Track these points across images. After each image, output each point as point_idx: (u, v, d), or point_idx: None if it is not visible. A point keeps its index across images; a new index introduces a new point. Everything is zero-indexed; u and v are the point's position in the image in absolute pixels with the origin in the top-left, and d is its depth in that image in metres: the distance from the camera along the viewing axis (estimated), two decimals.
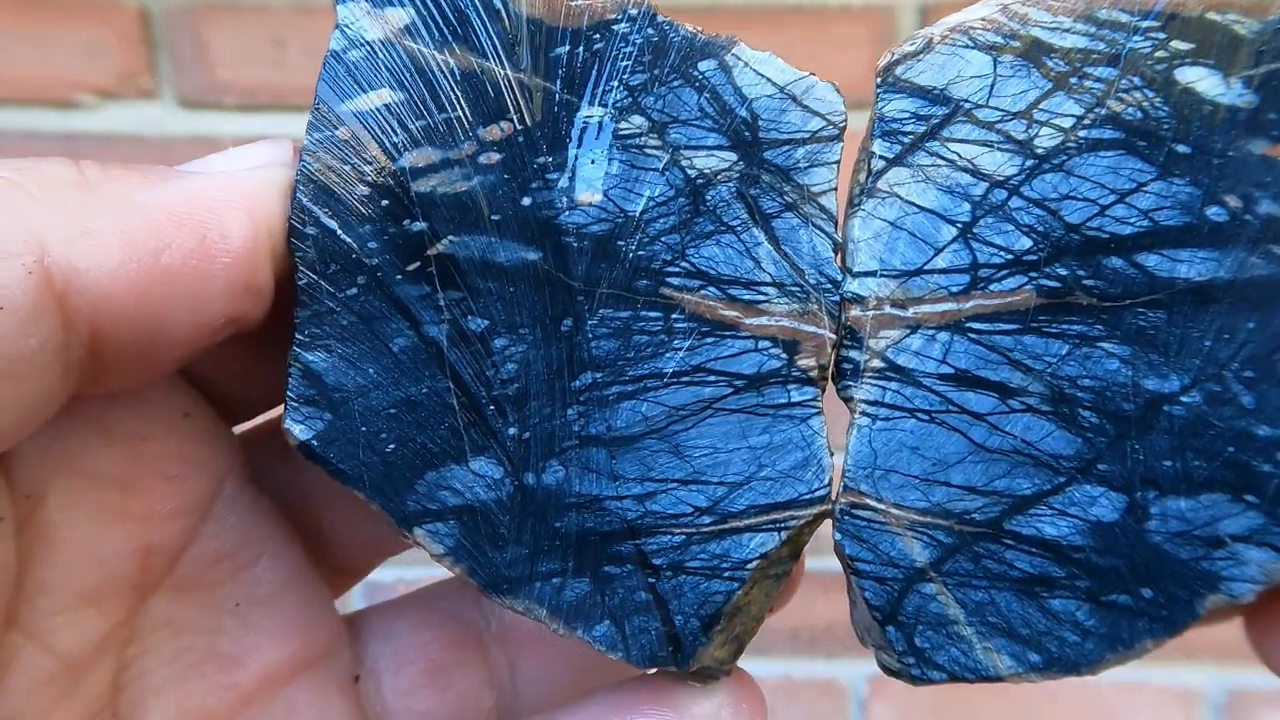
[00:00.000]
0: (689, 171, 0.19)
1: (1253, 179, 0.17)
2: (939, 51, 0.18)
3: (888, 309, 0.19)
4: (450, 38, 0.18)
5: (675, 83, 0.19)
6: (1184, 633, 0.18)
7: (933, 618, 0.19)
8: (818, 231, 0.19)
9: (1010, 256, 0.18)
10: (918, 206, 0.18)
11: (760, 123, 0.19)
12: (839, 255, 0.19)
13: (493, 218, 0.19)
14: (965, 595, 0.18)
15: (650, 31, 0.19)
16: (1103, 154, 0.18)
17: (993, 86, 0.18)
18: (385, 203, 0.18)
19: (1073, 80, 0.18)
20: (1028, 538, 0.18)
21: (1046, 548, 0.18)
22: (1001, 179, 0.18)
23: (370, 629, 0.23)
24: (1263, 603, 0.19)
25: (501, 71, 0.19)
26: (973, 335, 0.18)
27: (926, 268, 0.18)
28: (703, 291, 0.19)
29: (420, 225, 0.18)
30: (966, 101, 0.18)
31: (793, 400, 0.19)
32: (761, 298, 0.19)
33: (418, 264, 0.19)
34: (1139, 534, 0.18)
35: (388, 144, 0.18)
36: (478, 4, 0.18)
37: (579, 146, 0.19)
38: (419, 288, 0.19)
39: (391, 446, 0.19)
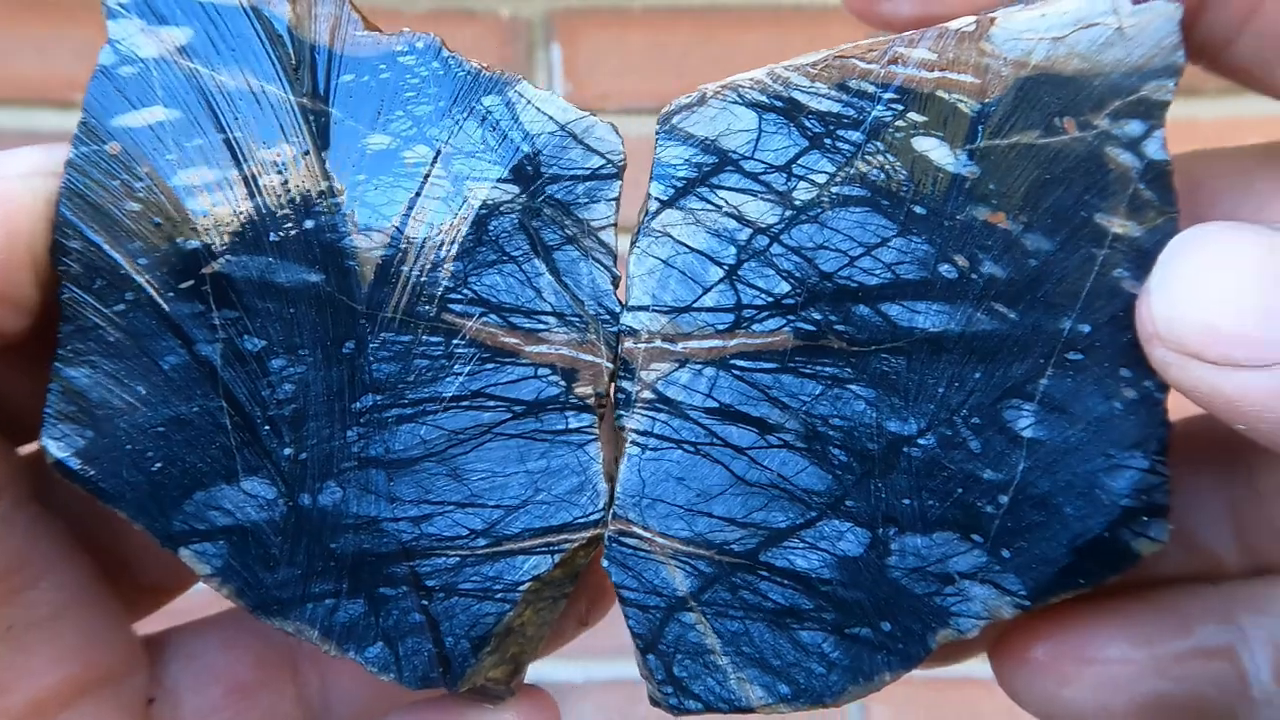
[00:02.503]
0: (472, 202, 0.19)
1: (977, 241, 0.19)
2: (711, 105, 0.19)
3: (658, 343, 0.19)
4: (231, 59, 0.18)
5: (460, 115, 0.19)
6: (918, 666, 0.20)
7: (691, 647, 0.20)
8: (597, 265, 0.20)
9: (771, 299, 0.19)
10: (688, 247, 0.19)
11: (542, 158, 0.19)
12: (618, 288, 0.20)
13: (272, 239, 0.19)
14: (722, 625, 0.19)
15: (436, 65, 0.19)
16: (852, 209, 0.19)
17: (758, 141, 0.19)
18: (157, 220, 0.18)
19: (826, 141, 0.19)
20: (781, 570, 0.19)
21: (798, 580, 0.19)
22: (764, 226, 0.19)
23: (173, 649, 0.23)
24: (999, 636, 0.21)
25: (284, 95, 0.19)
26: (736, 372, 0.19)
27: (695, 305, 0.19)
28: (484, 319, 0.19)
29: (194, 243, 0.18)
30: (734, 153, 0.19)
31: (570, 426, 0.20)
32: (542, 326, 0.20)
33: (191, 282, 0.18)
34: (880, 569, 0.19)
35: (161, 161, 0.18)
36: (259, 29, 0.18)
37: (363, 172, 0.19)
38: (192, 306, 0.18)
39: (158, 465, 0.19)
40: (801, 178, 0.19)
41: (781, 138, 0.19)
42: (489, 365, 0.20)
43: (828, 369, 0.19)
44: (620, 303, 0.20)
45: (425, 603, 0.20)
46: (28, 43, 0.50)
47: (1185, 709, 0.21)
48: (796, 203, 0.19)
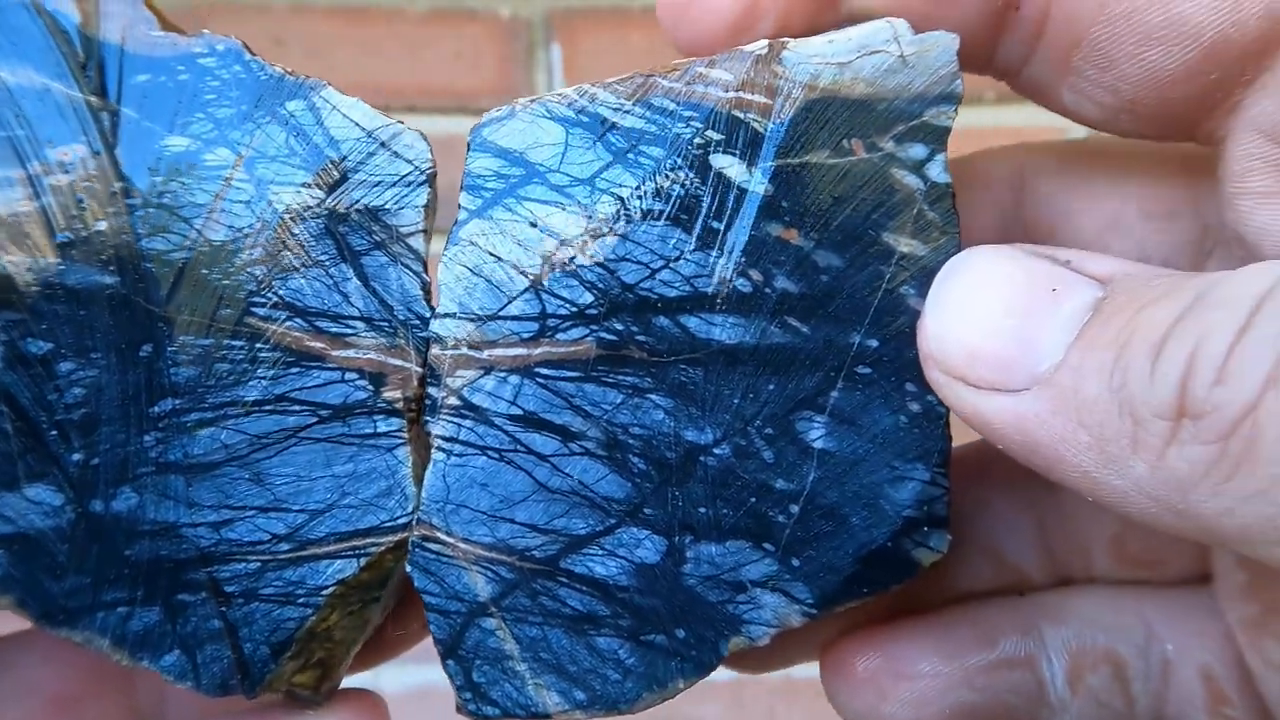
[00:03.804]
0: (276, 206, 0.19)
1: (771, 257, 0.19)
2: (520, 118, 0.19)
3: (465, 350, 0.20)
4: (11, 54, 0.18)
5: (263, 119, 0.19)
6: (711, 673, 0.20)
7: (490, 653, 0.20)
8: (406, 270, 0.20)
9: (574, 309, 0.20)
10: (495, 256, 0.20)
11: (348, 164, 0.19)
12: (429, 294, 0.20)
13: (59, 240, 0.18)
14: (521, 631, 0.20)
15: (238, 68, 0.19)
16: (653, 223, 0.19)
17: (564, 154, 0.19)
18: None
19: (630, 155, 0.19)
20: (580, 576, 0.20)
21: (596, 586, 0.20)
22: (568, 238, 0.19)
23: None
24: (826, 650, 0.22)
25: (70, 93, 0.18)
26: (540, 380, 0.20)
27: (501, 314, 0.20)
28: (289, 323, 0.19)
29: None
30: (541, 165, 0.19)
31: (379, 430, 0.20)
32: (349, 331, 0.20)
33: None
34: (676, 576, 0.20)
35: None
36: (42, 24, 0.18)
37: (160, 175, 0.19)
38: None
39: None
40: (605, 191, 0.19)
41: (587, 151, 0.19)
42: (294, 369, 0.19)
43: (628, 378, 0.20)
44: (431, 309, 0.20)
45: (224, 609, 0.19)
46: None
47: (990, 717, 0.22)
48: (600, 215, 0.19)
